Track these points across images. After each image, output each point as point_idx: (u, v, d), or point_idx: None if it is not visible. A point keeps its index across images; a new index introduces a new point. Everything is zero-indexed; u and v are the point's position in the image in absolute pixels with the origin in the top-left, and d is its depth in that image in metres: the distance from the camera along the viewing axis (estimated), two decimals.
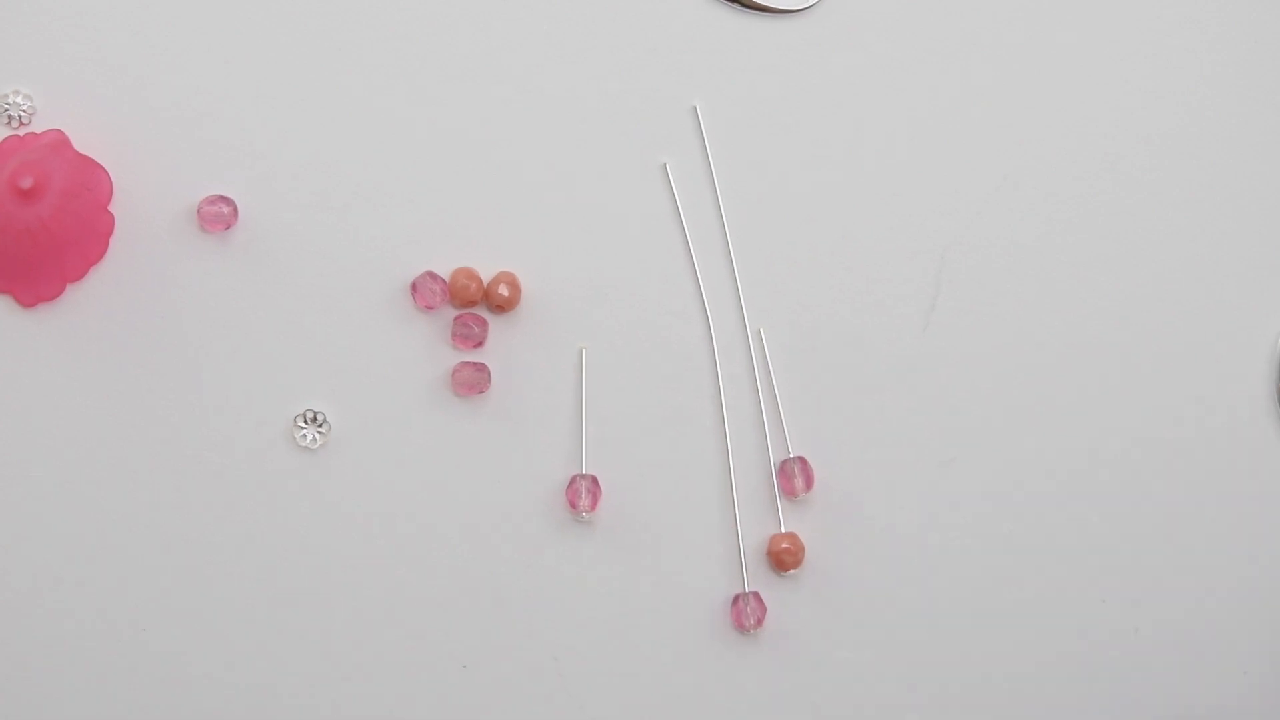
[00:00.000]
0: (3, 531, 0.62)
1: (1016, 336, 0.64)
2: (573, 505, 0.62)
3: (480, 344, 0.63)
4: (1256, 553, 0.64)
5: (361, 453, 0.63)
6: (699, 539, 0.63)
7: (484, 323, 0.63)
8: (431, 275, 0.63)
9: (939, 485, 0.63)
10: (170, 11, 0.63)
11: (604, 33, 0.64)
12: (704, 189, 0.64)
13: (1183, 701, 0.63)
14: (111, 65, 0.63)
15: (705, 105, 0.64)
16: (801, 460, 0.63)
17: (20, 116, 0.63)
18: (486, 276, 0.63)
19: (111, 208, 0.62)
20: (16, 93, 0.63)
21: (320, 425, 0.63)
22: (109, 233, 0.62)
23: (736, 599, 0.63)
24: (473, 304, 0.63)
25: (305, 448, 0.63)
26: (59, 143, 0.62)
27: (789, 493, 0.63)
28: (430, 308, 0.63)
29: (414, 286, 0.63)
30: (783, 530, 0.63)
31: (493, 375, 0.63)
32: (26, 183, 0.60)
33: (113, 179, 0.62)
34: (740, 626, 0.62)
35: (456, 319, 0.63)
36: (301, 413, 0.63)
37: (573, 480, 0.63)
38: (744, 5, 0.64)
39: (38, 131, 0.62)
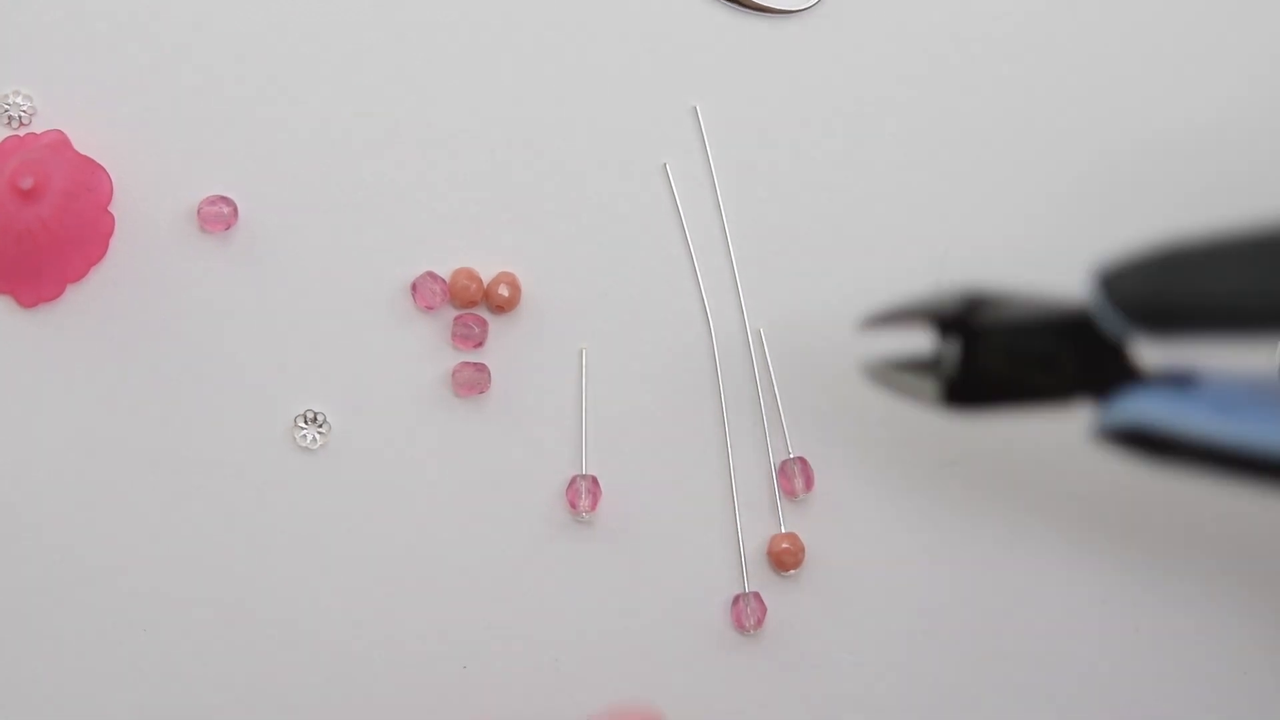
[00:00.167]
0: (3, 531, 0.62)
1: None
2: (573, 505, 0.62)
3: (480, 344, 0.63)
4: (1257, 552, 0.64)
5: (361, 453, 0.63)
6: (699, 539, 0.63)
7: (484, 323, 0.63)
8: (432, 275, 0.63)
9: (939, 485, 0.63)
10: (170, 12, 0.63)
11: (604, 33, 0.64)
12: (704, 189, 0.64)
13: (1183, 702, 0.63)
14: (111, 65, 0.63)
15: (705, 106, 0.64)
16: (801, 460, 0.63)
17: (20, 117, 0.63)
18: (486, 277, 0.63)
19: (111, 208, 0.62)
20: (16, 93, 0.63)
21: (320, 425, 0.62)
22: (109, 233, 0.62)
23: (737, 599, 0.63)
24: (473, 304, 0.63)
25: (305, 448, 0.63)
26: (59, 143, 0.62)
27: (789, 493, 0.63)
28: (430, 308, 0.63)
29: (414, 287, 0.63)
30: (783, 530, 0.63)
31: (493, 375, 0.63)
32: (26, 183, 0.60)
33: (113, 179, 0.62)
34: (740, 627, 0.62)
35: (457, 319, 0.63)
36: (301, 413, 0.63)
37: (573, 480, 0.63)
38: (744, 5, 0.64)
39: (38, 132, 0.62)
